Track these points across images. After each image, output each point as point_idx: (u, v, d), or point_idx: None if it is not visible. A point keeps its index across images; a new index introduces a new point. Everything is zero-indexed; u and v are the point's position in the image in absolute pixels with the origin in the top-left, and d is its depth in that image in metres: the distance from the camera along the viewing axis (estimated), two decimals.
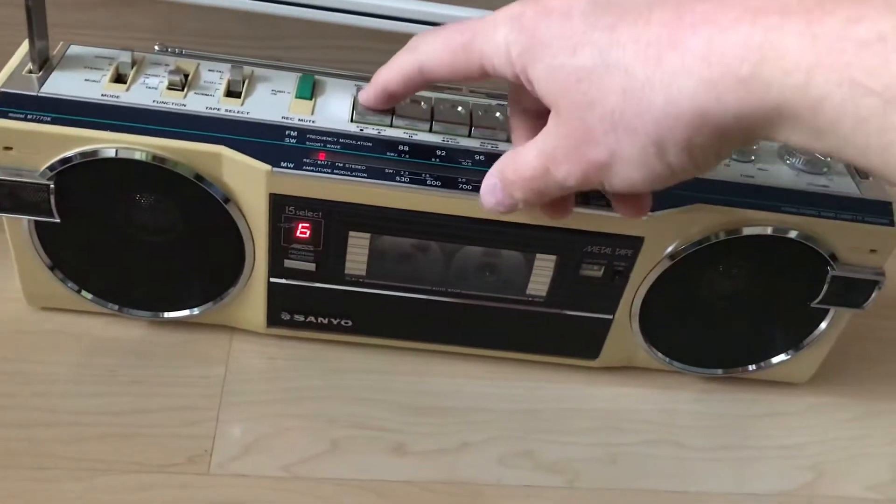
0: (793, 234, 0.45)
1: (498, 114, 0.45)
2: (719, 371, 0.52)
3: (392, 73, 0.39)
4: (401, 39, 0.41)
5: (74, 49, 0.45)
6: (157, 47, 0.47)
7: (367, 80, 0.47)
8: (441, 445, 0.46)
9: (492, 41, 0.34)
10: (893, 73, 0.24)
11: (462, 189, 0.42)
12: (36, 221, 0.44)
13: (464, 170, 0.43)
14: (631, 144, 0.30)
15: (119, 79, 0.44)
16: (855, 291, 0.47)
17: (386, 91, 0.41)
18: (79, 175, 0.42)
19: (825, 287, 0.47)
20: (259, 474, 0.43)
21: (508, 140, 0.45)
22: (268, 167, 0.42)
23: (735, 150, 0.47)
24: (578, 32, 0.31)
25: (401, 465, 0.45)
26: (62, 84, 0.42)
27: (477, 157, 0.44)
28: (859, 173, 0.47)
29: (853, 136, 0.25)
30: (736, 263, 0.47)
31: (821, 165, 0.47)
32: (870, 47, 0.24)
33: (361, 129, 0.44)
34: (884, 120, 0.24)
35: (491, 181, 0.37)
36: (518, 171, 0.35)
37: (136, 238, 0.45)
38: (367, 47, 0.61)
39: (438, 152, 0.44)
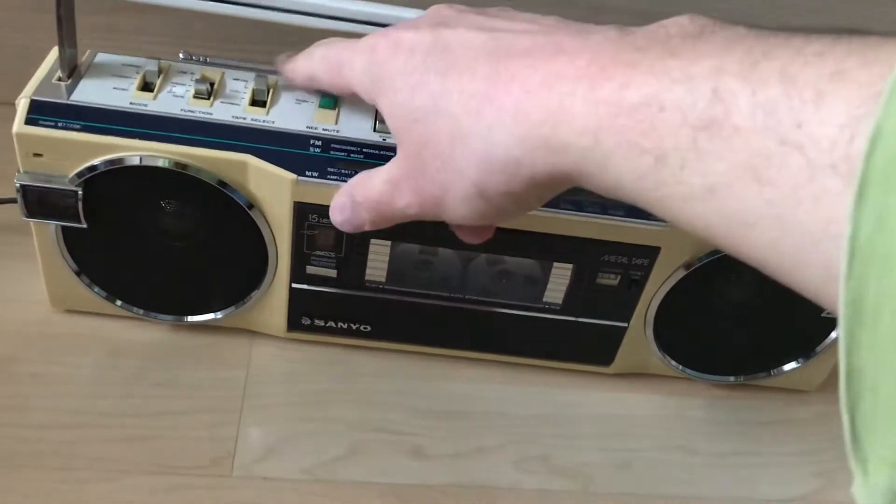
0: None
1: None
2: (731, 378, 0.53)
3: (297, 67, 0.42)
4: None
5: (101, 57, 0.46)
6: (181, 55, 0.48)
7: None
8: (458, 449, 0.47)
9: (354, 69, 0.36)
10: (660, 134, 0.25)
11: None
12: (63, 227, 0.45)
13: None
14: (458, 184, 0.32)
15: (146, 87, 0.44)
16: None
17: (291, 77, 0.43)
18: (106, 182, 0.43)
19: None
20: (281, 477, 0.44)
21: None
22: (293, 176, 0.42)
23: None
24: (418, 72, 0.33)
25: (419, 469, 0.46)
26: (91, 92, 0.43)
27: None
28: None
29: (637, 191, 0.27)
30: (749, 273, 0.48)
31: None
32: (639, 111, 0.26)
33: (384, 139, 0.44)
34: (657, 176, 0.26)
35: (341, 199, 0.38)
36: (366, 194, 0.37)
37: (162, 243, 0.46)
38: None
39: None
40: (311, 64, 0.40)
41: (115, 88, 0.44)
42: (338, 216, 0.38)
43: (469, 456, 0.47)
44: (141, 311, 0.49)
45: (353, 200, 0.37)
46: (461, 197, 0.33)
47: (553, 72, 0.29)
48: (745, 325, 0.50)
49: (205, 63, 0.48)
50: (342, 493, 0.44)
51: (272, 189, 0.43)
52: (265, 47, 0.61)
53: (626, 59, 0.27)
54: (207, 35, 0.60)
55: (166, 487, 0.43)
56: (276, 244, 0.46)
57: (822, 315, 0.49)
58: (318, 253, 0.46)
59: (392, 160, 0.36)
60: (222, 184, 0.43)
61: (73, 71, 0.44)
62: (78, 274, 0.47)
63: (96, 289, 0.48)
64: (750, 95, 0.23)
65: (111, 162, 0.42)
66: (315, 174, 0.43)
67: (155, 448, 0.44)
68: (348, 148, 0.44)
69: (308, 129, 0.44)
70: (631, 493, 0.47)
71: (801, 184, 0.22)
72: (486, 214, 0.33)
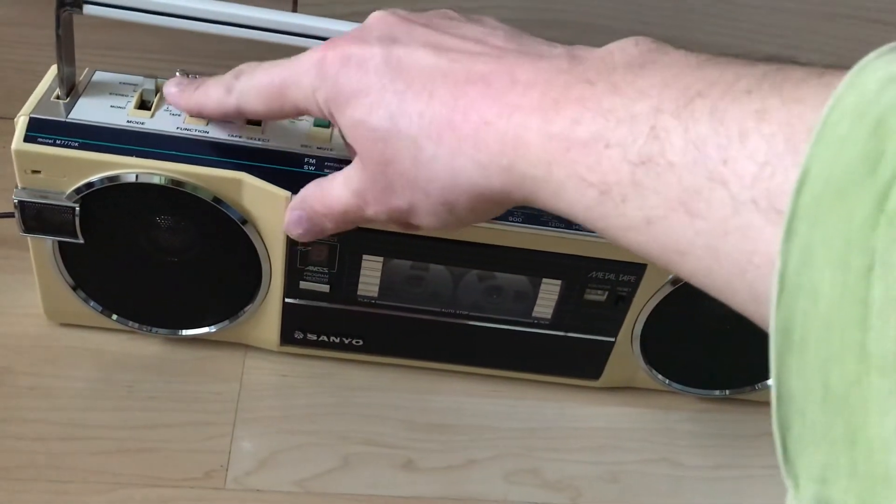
0: None
1: None
2: (716, 392, 0.54)
3: (210, 103, 0.40)
4: None
5: (100, 75, 0.46)
6: (178, 73, 0.49)
7: None
8: (448, 462, 0.48)
9: (300, 87, 0.35)
10: (604, 169, 0.27)
11: None
12: (59, 242, 0.46)
13: None
14: (424, 202, 0.33)
15: (143, 105, 0.45)
16: None
17: (200, 113, 0.42)
18: (103, 198, 0.44)
19: None
20: (273, 489, 0.45)
21: None
22: (287, 193, 0.43)
23: None
24: (374, 90, 0.33)
25: (410, 481, 0.47)
26: (89, 110, 0.44)
27: None
28: None
29: (585, 220, 0.29)
30: None
31: None
32: (587, 146, 0.27)
33: None
34: (602, 208, 0.27)
35: (296, 213, 0.38)
36: (328, 206, 0.37)
37: (157, 258, 0.47)
38: None
39: None
40: (236, 99, 0.38)
41: (112, 107, 0.45)
42: (295, 229, 0.39)
43: (460, 469, 0.48)
44: (136, 325, 0.49)
45: (311, 212, 0.38)
46: (428, 212, 0.34)
47: (509, 103, 0.30)
48: (731, 340, 0.51)
49: None
50: None
51: (266, 206, 0.44)
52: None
53: (576, 95, 0.29)
54: (205, 52, 0.60)
55: (159, 499, 0.43)
56: (269, 260, 0.46)
57: None
58: (311, 268, 0.47)
59: (352, 170, 0.35)
60: (217, 201, 0.44)
61: (71, 89, 0.45)
62: (74, 288, 0.48)
63: (92, 303, 0.48)
64: (683, 133, 0.25)
65: (108, 179, 0.43)
66: None
67: (149, 460, 0.45)
68: (341, 167, 0.44)
69: (302, 148, 0.45)
70: None
71: (726, 216, 0.24)
72: (449, 224, 0.34)
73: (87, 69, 0.46)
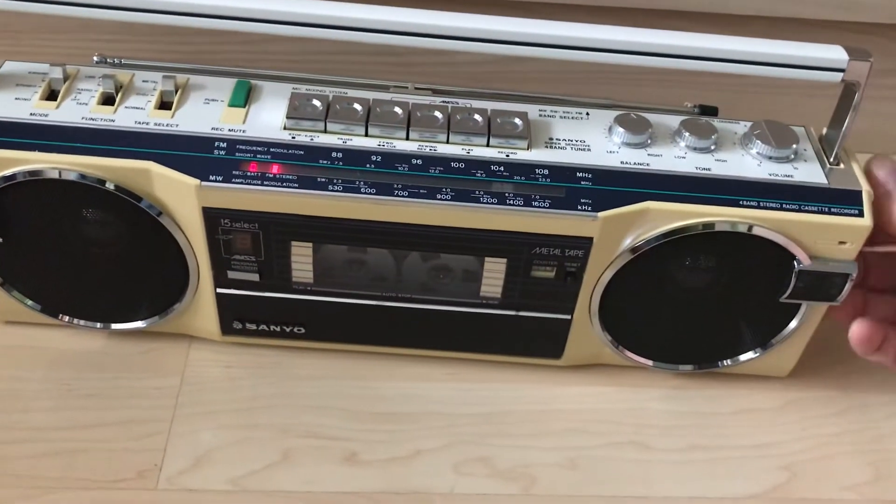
0: (752, 229, 0.42)
1: (437, 113, 0.44)
2: (690, 367, 0.50)
3: None
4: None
5: (9, 66, 0.45)
6: (95, 58, 0.46)
7: (308, 81, 0.46)
8: (394, 453, 0.46)
9: None
10: None
11: (398, 196, 0.41)
12: None
13: (400, 175, 0.42)
14: None
15: (51, 95, 0.43)
16: (826, 285, 0.44)
17: None
18: (13, 195, 0.42)
19: (792, 282, 0.44)
20: (207, 488, 0.43)
21: (447, 142, 0.43)
22: (196, 181, 0.41)
23: (693, 141, 0.44)
24: None
25: (352, 475, 0.44)
26: None
27: (414, 162, 0.42)
28: (829, 159, 0.45)
29: None
30: (694, 259, 0.45)
31: (787, 153, 0.44)
32: None
33: (293, 137, 0.42)
34: None
35: None
36: None
37: (82, 253, 0.45)
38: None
39: (373, 157, 0.42)
40: None
41: (17, 99, 0.43)
42: None
43: (406, 460, 0.45)
44: (69, 320, 0.48)
45: None
46: None
47: None
48: (701, 311, 0.47)
49: (118, 65, 0.46)
50: None
51: (179, 196, 0.42)
52: (200, 38, 0.59)
53: None
54: (145, 30, 0.58)
55: (88, 503, 0.42)
56: (193, 251, 0.44)
57: (781, 300, 0.45)
58: (237, 257, 0.44)
59: None
60: (130, 194, 0.42)
61: None
62: (2, 285, 0.47)
63: (26, 301, 0.47)
64: None
65: (7, 178, 0.41)
66: (219, 178, 0.41)
67: (83, 462, 0.44)
68: (254, 149, 0.42)
69: (213, 131, 0.42)
70: (575, 494, 0.45)
71: None
72: None
73: None
